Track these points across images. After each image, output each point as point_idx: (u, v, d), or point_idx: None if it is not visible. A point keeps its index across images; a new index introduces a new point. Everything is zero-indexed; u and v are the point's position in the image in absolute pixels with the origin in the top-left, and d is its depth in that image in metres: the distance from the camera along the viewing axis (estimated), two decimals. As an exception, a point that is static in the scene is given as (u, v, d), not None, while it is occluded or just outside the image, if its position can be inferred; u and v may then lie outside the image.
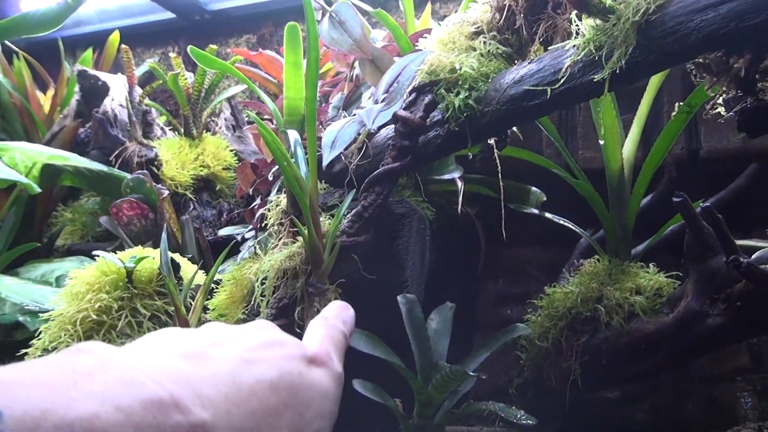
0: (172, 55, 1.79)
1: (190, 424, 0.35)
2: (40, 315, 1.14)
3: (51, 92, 2.17)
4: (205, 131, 1.80)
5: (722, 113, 0.83)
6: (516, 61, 1.06)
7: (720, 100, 0.80)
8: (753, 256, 1.03)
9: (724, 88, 0.79)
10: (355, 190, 1.09)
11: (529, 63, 0.97)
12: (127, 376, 0.35)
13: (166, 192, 1.50)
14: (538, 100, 0.93)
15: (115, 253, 1.12)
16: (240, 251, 1.44)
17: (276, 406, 0.41)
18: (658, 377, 1.32)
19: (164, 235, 1.06)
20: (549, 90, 0.90)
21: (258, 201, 1.47)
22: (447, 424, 1.19)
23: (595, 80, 0.85)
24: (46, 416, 0.31)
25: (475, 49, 1.04)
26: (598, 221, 1.38)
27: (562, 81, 0.89)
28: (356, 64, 1.47)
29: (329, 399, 0.47)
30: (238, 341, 0.44)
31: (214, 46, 1.73)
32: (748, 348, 1.34)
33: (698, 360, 1.37)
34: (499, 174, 1.15)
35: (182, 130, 1.77)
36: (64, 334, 1.05)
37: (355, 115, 1.09)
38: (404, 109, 1.05)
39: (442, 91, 1.03)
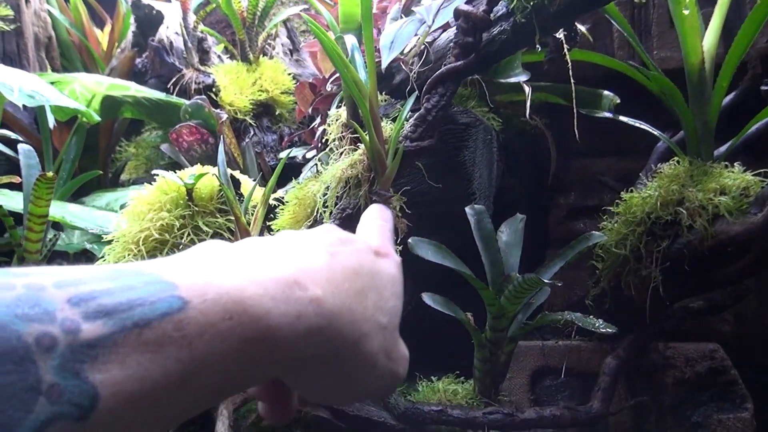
0: (224, -23, 1.74)
1: (309, 298, 0.42)
2: (104, 238, 1.13)
3: (108, 28, 2.16)
4: (261, 55, 1.77)
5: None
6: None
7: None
8: None
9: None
10: (416, 93, 1.04)
11: (600, -61, 0.89)
12: (255, 264, 0.42)
13: (225, 116, 1.48)
14: (612, -22, 0.86)
15: (174, 173, 1.10)
16: (302, 172, 1.41)
17: (362, 287, 0.48)
18: (744, 285, 1.25)
19: (221, 148, 1.04)
20: (625, -38, 0.83)
21: (318, 120, 1.43)
22: (521, 336, 1.15)
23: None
24: (208, 285, 0.38)
25: (540, -66, 0.96)
26: (675, 126, 1.30)
27: (639, -49, 0.82)
28: (413, -28, 1.41)
29: (398, 283, 0.53)
30: (316, 242, 0.49)
31: (268, -34, 1.68)
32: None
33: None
34: (570, 75, 1.08)
35: (239, 55, 1.74)
36: (128, 254, 1.04)
37: (413, 14, 1.03)
38: (466, 3, 0.98)
39: (506, -20, 0.96)
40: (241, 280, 0.40)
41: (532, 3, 0.94)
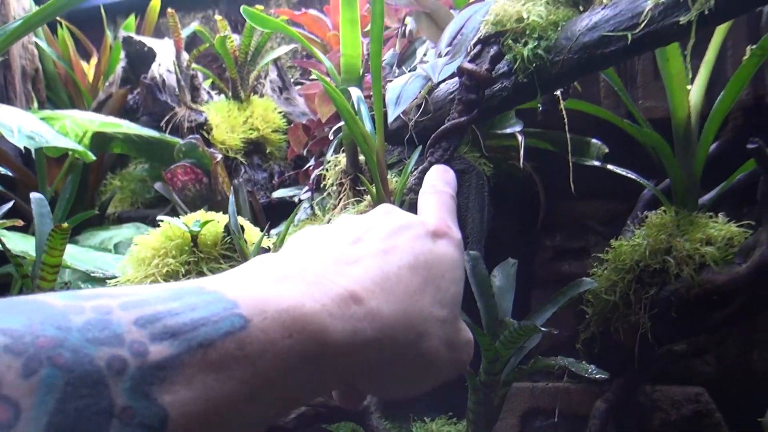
0: (218, 17, 1.77)
1: (364, 312, 0.43)
2: (107, 282, 1.14)
3: (94, 60, 2.17)
4: (252, 94, 1.79)
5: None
6: (582, 9, 1.02)
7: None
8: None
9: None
10: (420, 147, 1.08)
11: (602, 8, 0.94)
12: (311, 278, 0.43)
13: (220, 156, 1.50)
14: (614, 47, 0.90)
15: (177, 218, 1.12)
16: (296, 213, 1.44)
17: (418, 284, 0.49)
18: (726, 330, 1.29)
19: (231, 198, 1.06)
20: (629, 35, 0.87)
21: (312, 162, 1.46)
22: (514, 380, 1.18)
23: (680, 23, 0.82)
24: (266, 303, 0.39)
25: (540, -3, 1.01)
26: (659, 174, 1.35)
27: (642, 25, 0.85)
28: (408, 19, 1.44)
29: (457, 265, 0.53)
30: (372, 234, 0.50)
31: (261, 7, 1.71)
32: (817, 297, 1.31)
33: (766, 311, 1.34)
34: (566, 126, 1.13)
35: (229, 93, 1.76)
36: (134, 299, 1.05)
37: (416, 69, 1.06)
38: (469, 61, 1.02)
39: (509, 41, 1.00)
40: (299, 295, 0.41)
41: (534, 65, 0.98)
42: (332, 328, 0.41)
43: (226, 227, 1.10)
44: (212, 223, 1.10)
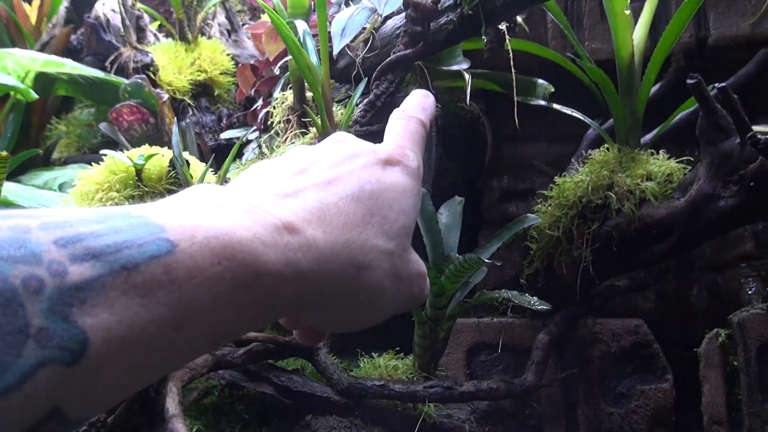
0: (163, -45, 1.73)
1: (299, 243, 0.42)
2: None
3: (36, 2, 2.11)
4: (200, 35, 1.77)
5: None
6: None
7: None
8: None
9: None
10: (366, 80, 1.08)
11: (546, -63, 0.94)
12: (245, 208, 0.42)
13: (166, 96, 1.48)
14: (556, -24, 0.91)
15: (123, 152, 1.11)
16: (243, 153, 1.43)
17: (362, 215, 0.47)
18: (664, 265, 1.33)
19: (175, 128, 1.05)
20: (570, -38, 0.88)
21: (260, 102, 1.45)
22: (459, 314, 1.20)
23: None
24: (197, 228, 0.38)
25: (485, -71, 1.01)
26: (603, 114, 1.37)
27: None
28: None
29: (408, 194, 0.51)
30: (318, 164, 0.48)
31: (207, -56, 1.68)
32: (752, 234, 1.35)
33: (702, 248, 1.38)
34: (511, 64, 1.13)
35: (176, 34, 1.74)
36: (78, 233, 1.04)
37: (362, 2, 1.06)
38: (415, -7, 1.02)
39: (454, -28, 1.00)
40: (230, 223, 0.39)
41: (479, -4, 0.98)
42: (264, 257, 0.40)
43: (171, 162, 1.09)
44: (157, 157, 1.09)
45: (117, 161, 1.08)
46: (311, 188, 0.46)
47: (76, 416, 0.34)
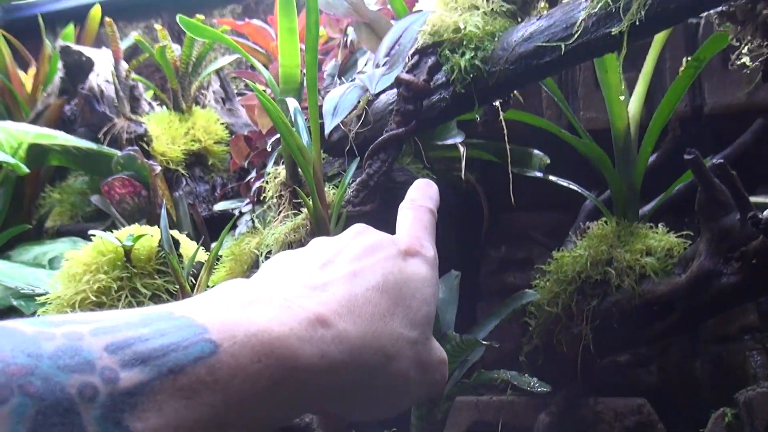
0: (157, 27, 1.74)
1: (332, 336, 0.43)
2: (37, 298, 1.10)
3: (32, 71, 2.11)
4: (194, 105, 1.76)
5: (747, 63, 0.79)
6: (520, 19, 1.02)
7: (745, 50, 0.77)
8: (767, 212, 1.01)
9: (749, 38, 0.76)
10: (358, 158, 1.06)
11: (538, 19, 0.93)
12: (279, 303, 0.43)
13: (159, 168, 1.46)
14: (549, 57, 0.90)
15: (111, 232, 1.08)
16: (237, 226, 1.41)
17: (387, 306, 0.49)
18: (668, 340, 1.30)
19: (163, 212, 1.03)
20: (563, 46, 0.86)
21: (253, 174, 1.43)
22: (458, 394, 1.17)
23: (612, 33, 0.81)
24: (235, 328, 0.39)
25: (478, 8, 1.00)
26: (601, 184, 1.35)
27: (576, 36, 0.85)
28: (349, 30, 1.43)
29: (429, 284, 0.53)
30: (342, 256, 0.51)
31: (201, 16, 1.68)
32: (756, 307, 1.33)
33: (707, 321, 1.35)
34: (506, 137, 1.12)
35: (170, 104, 1.73)
36: (63, 317, 1.02)
37: (354, 80, 1.05)
38: (407, 72, 1.01)
39: (446, 52, 0.99)
40: (267, 319, 0.41)
41: (471, 75, 0.97)
42: (300, 351, 0.41)
43: (160, 242, 1.07)
44: (146, 237, 1.07)
45: (105, 242, 1.06)
46: (339, 280, 0.48)
47: None
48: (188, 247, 1.13)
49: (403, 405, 0.52)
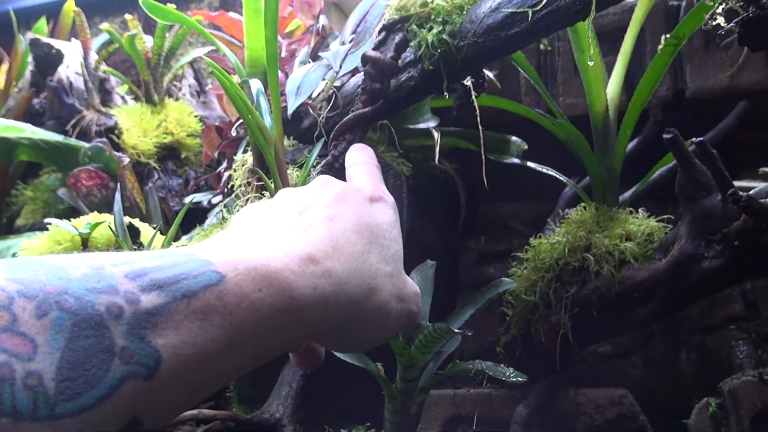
0: (128, 17, 1.70)
1: (322, 271, 0.49)
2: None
3: (5, 66, 2.07)
4: (167, 97, 1.72)
5: (722, 24, 0.76)
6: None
7: (720, 10, 0.73)
8: (750, 192, 0.97)
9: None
10: (324, 140, 1.02)
11: (507, -11, 0.90)
12: (270, 243, 0.48)
13: (127, 159, 1.43)
14: (518, 28, 0.85)
15: (70, 221, 1.04)
16: (207, 218, 1.37)
17: (364, 245, 0.54)
18: (650, 328, 1.26)
19: (117, 196, 0.99)
20: (530, 12, 0.82)
21: (224, 164, 1.39)
22: (432, 386, 1.13)
23: (581, -4, 0.78)
24: (237, 261, 0.44)
25: (446, -19, 0.96)
26: (581, 171, 1.31)
27: (544, 2, 0.81)
28: (322, 16, 1.39)
29: (394, 225, 0.60)
30: (316, 204, 0.56)
31: (173, 5, 1.64)
32: (741, 295, 1.29)
33: (690, 309, 1.31)
34: (478, 120, 1.08)
35: (143, 96, 1.69)
36: (17, 308, 0.97)
37: (321, 59, 1.01)
38: (374, 49, 0.97)
39: (414, 27, 0.95)
40: (263, 257, 0.46)
41: (439, 51, 0.93)
42: (295, 284, 0.46)
43: (125, 228, 1.03)
44: (104, 225, 1.03)
45: (62, 230, 1.01)
46: (318, 224, 0.53)
47: (151, 426, 0.39)
48: (148, 235, 1.09)
49: (385, 336, 0.58)
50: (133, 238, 1.04)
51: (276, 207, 0.56)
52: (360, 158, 0.68)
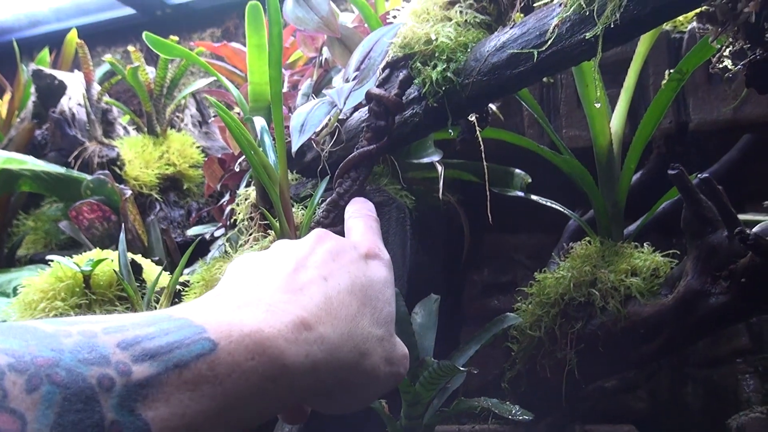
0: (131, 48, 1.70)
1: (314, 338, 0.48)
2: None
3: (8, 96, 2.07)
4: (169, 128, 1.72)
5: (729, 67, 0.75)
6: (495, 30, 0.98)
7: (726, 53, 0.73)
8: (755, 228, 0.97)
9: (730, 39, 0.72)
10: (328, 177, 1.01)
11: (511, 28, 0.89)
12: (265, 307, 0.48)
13: (129, 192, 1.42)
14: (523, 67, 0.85)
15: (71, 257, 1.03)
16: (210, 251, 1.36)
17: (357, 307, 0.54)
18: (657, 363, 1.25)
19: (122, 235, 0.98)
20: (536, 53, 0.82)
21: (227, 197, 1.39)
22: (437, 423, 1.12)
23: (586, 38, 0.77)
24: (231, 327, 0.44)
25: (450, 19, 0.96)
26: (585, 204, 1.31)
27: (549, 43, 0.81)
28: (324, 49, 1.39)
29: (389, 285, 0.59)
30: (311, 261, 0.55)
31: (175, 38, 1.64)
32: (747, 328, 1.28)
33: (695, 343, 1.30)
34: (482, 155, 1.08)
35: (145, 127, 1.69)
36: (18, 347, 0.96)
37: (324, 96, 1.01)
38: (378, 86, 0.97)
39: (418, 64, 0.95)
40: (257, 322, 0.46)
41: (444, 88, 0.93)
42: (288, 352, 0.46)
43: (129, 268, 1.02)
44: (107, 262, 1.02)
45: (64, 267, 1.01)
46: (313, 284, 0.53)
47: None
48: (153, 272, 1.08)
49: (373, 397, 0.57)
50: (135, 275, 1.03)
51: (271, 262, 0.55)
52: (359, 211, 0.68)
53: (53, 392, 0.36)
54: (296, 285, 0.52)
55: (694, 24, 1.29)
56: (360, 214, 0.68)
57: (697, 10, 0.73)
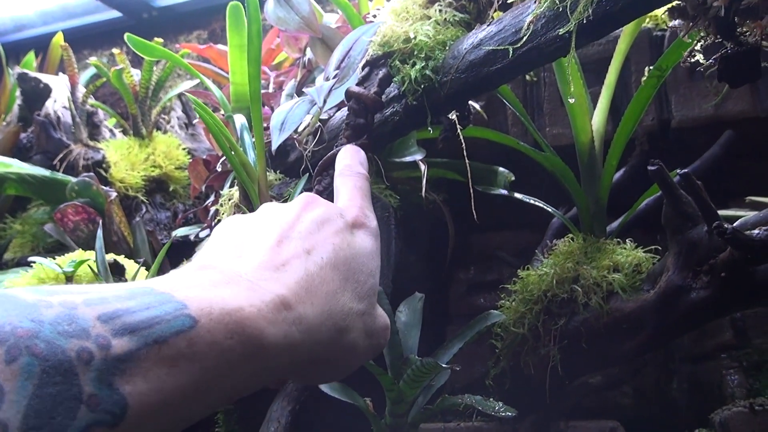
0: (116, 51, 1.70)
1: (293, 318, 0.48)
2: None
3: (-6, 100, 2.07)
4: (155, 130, 1.72)
5: (701, 61, 0.76)
6: (474, 27, 0.98)
7: (698, 47, 0.73)
8: (736, 223, 0.97)
9: (702, 34, 0.72)
10: (308, 175, 1.02)
11: (488, 25, 0.89)
12: (246, 284, 0.48)
13: (114, 194, 1.42)
14: (499, 64, 0.86)
15: (54, 259, 1.03)
16: (195, 252, 1.36)
17: (339, 282, 0.53)
18: (641, 359, 1.25)
19: (99, 232, 0.98)
20: (511, 50, 0.83)
21: (212, 198, 1.39)
22: (422, 421, 1.12)
23: (560, 34, 0.78)
24: (212, 304, 0.44)
25: (430, 17, 0.97)
26: (569, 201, 1.31)
27: (524, 39, 0.81)
28: (308, 49, 1.40)
29: (373, 256, 0.58)
30: (295, 232, 0.54)
31: (160, 39, 1.64)
32: (731, 324, 1.29)
33: (680, 339, 1.31)
34: (464, 153, 1.08)
35: (130, 129, 1.69)
36: None
37: (305, 94, 1.01)
38: (357, 84, 0.97)
39: (397, 62, 0.95)
40: (238, 300, 0.45)
41: (422, 86, 0.93)
42: (267, 331, 0.46)
43: (107, 266, 1.02)
44: (89, 262, 1.02)
45: (46, 268, 1.01)
46: (295, 258, 0.52)
47: None
48: (132, 271, 1.08)
49: (351, 369, 0.57)
50: (118, 276, 1.03)
51: (256, 229, 0.55)
52: (350, 168, 0.66)
53: (32, 364, 0.36)
54: (278, 260, 0.51)
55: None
56: (351, 171, 0.66)
57: (669, 5, 0.73)
